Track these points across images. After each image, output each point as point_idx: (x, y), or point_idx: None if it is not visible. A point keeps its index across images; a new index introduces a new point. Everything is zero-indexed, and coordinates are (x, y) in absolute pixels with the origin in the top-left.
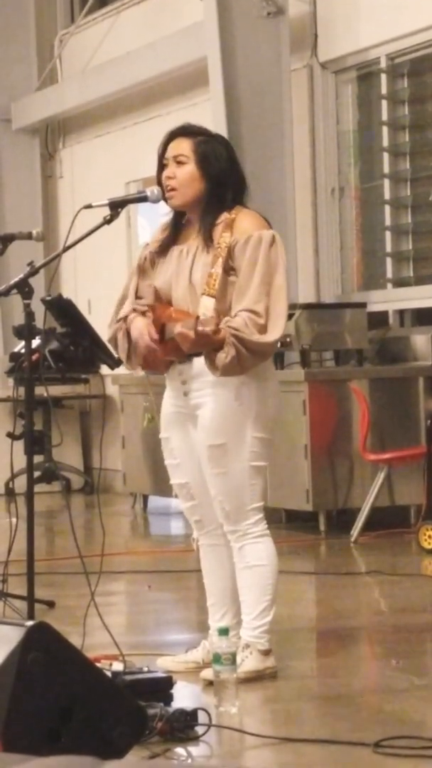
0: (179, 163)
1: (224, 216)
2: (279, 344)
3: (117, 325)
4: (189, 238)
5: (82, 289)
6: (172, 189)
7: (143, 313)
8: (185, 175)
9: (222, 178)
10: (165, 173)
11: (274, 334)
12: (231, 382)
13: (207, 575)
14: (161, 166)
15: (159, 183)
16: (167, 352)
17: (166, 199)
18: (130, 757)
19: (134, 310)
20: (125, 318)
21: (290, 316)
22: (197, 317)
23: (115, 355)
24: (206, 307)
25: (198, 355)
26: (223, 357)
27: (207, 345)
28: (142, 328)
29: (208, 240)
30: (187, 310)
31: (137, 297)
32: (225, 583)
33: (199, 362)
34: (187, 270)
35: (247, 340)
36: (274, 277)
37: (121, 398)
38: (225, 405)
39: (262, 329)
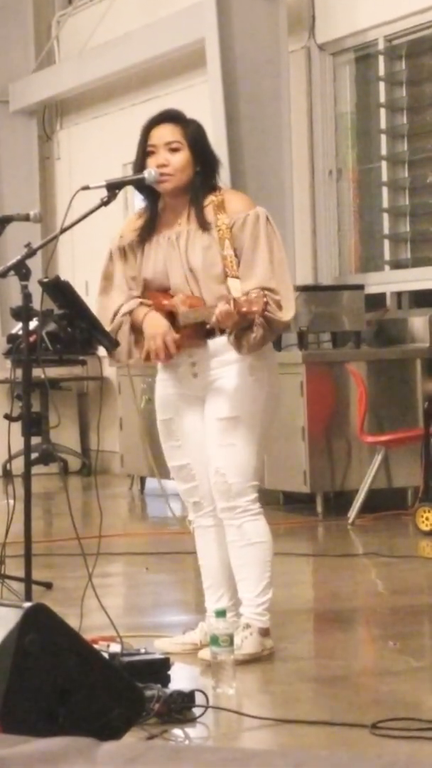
0: (173, 149)
1: (210, 198)
2: None
3: (122, 318)
4: (173, 223)
5: (80, 270)
6: (167, 175)
7: (149, 305)
8: (181, 161)
9: (210, 161)
10: (156, 160)
11: (291, 311)
12: (245, 359)
13: (203, 557)
14: (145, 152)
15: (140, 168)
16: (183, 340)
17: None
18: (127, 739)
19: (141, 303)
20: (130, 312)
21: None
22: (233, 298)
23: (113, 338)
24: (236, 288)
25: (211, 336)
26: (253, 336)
27: (244, 324)
28: (160, 327)
29: (203, 223)
30: (192, 295)
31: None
32: (222, 564)
33: (215, 343)
34: (183, 256)
35: (272, 318)
36: (275, 253)
37: (118, 380)
38: (240, 380)
39: (279, 306)
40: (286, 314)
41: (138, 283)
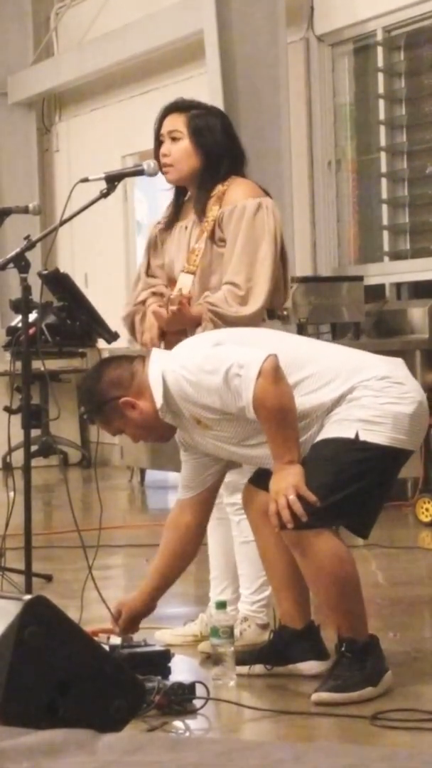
0: (174, 139)
1: (218, 188)
2: (266, 314)
3: (135, 308)
4: (189, 213)
5: (79, 262)
6: (168, 165)
7: (161, 295)
8: (180, 151)
9: (216, 150)
10: (161, 150)
11: (253, 306)
12: None
13: (212, 548)
14: (158, 143)
15: (157, 159)
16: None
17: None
18: (127, 731)
19: (153, 294)
20: (143, 302)
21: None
22: (168, 296)
23: (112, 330)
24: (184, 284)
25: None
26: (201, 332)
27: (183, 323)
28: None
29: (201, 214)
30: (181, 294)
31: (149, 276)
32: (227, 557)
33: None
34: (186, 246)
35: (224, 314)
36: (260, 246)
37: None
38: None
39: (243, 301)
40: (246, 309)
41: (165, 271)
